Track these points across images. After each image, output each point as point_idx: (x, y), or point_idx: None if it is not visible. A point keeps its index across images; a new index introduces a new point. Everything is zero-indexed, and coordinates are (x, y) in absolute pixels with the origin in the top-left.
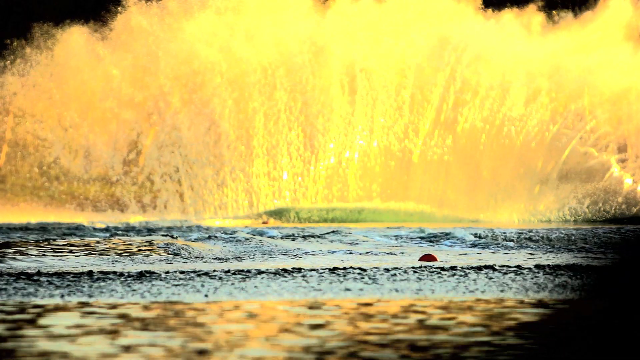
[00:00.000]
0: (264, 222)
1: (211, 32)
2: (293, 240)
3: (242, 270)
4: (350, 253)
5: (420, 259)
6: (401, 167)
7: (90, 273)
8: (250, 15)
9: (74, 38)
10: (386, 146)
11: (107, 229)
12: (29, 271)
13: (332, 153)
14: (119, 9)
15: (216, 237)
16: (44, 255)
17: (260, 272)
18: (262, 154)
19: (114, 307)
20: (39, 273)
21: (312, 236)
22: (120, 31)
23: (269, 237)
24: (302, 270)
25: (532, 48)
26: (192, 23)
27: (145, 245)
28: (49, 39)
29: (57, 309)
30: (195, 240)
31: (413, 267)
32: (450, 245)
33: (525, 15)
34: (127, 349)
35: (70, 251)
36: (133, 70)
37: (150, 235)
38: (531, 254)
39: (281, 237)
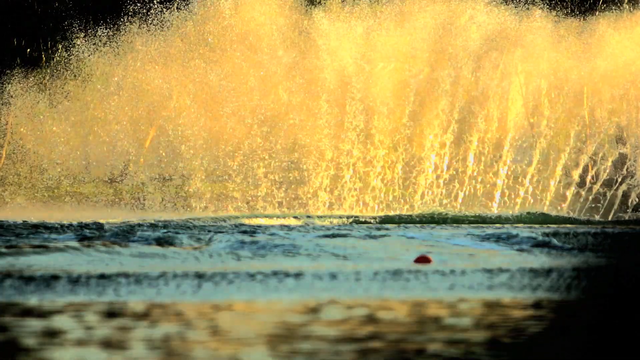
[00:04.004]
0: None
1: (168, 54)
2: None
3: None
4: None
5: (415, 261)
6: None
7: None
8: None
9: (12, 89)
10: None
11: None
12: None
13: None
14: (62, 45)
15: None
16: None
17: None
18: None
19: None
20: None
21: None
22: (65, 72)
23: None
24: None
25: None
26: (150, 47)
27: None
28: None
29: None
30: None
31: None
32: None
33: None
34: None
35: None
36: (78, 125)
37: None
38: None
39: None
